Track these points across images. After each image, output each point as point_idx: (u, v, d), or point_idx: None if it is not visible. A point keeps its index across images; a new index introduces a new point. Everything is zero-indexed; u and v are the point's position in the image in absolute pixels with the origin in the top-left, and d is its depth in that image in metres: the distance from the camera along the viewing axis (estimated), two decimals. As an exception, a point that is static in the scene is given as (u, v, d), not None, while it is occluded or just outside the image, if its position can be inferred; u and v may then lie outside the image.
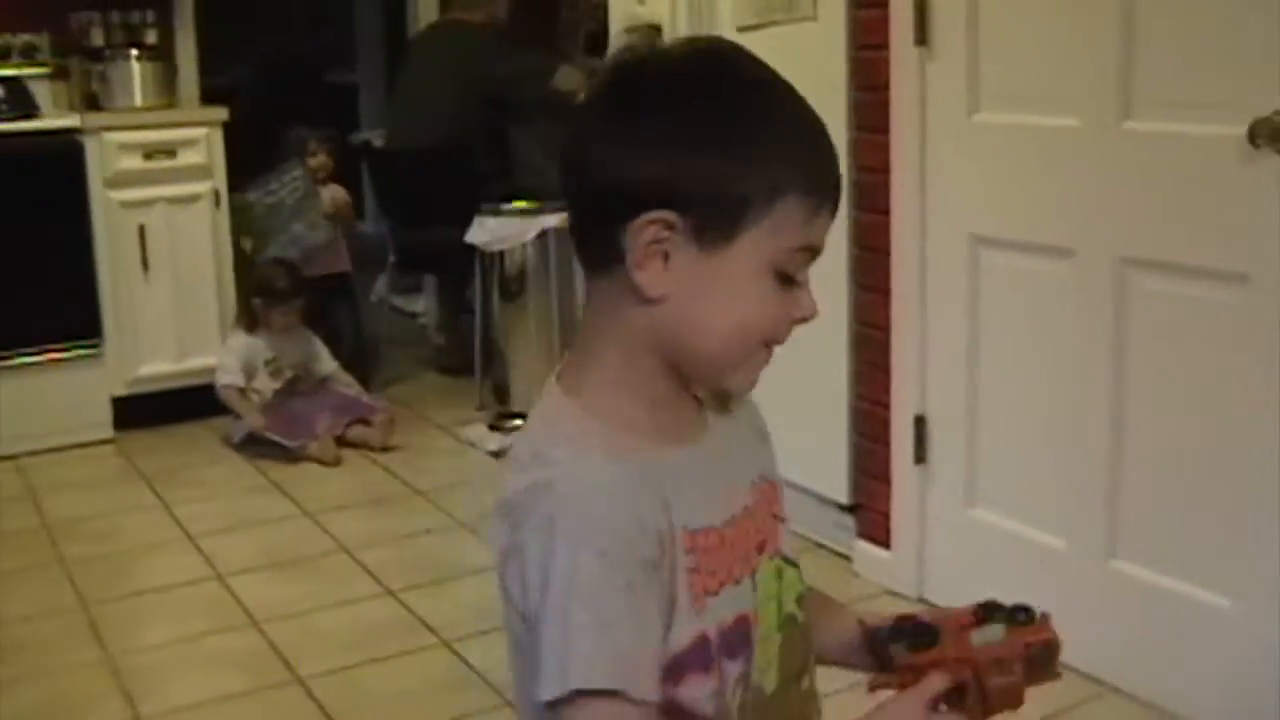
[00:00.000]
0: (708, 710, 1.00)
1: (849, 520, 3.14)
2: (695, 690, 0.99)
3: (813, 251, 1.00)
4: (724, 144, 0.96)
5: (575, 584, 0.92)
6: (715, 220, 0.97)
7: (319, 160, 4.82)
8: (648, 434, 1.02)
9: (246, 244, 4.58)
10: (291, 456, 4.09)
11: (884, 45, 2.83)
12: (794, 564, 1.11)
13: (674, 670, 0.97)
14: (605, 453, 0.98)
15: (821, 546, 3.21)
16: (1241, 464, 2.25)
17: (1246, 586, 2.27)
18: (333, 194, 4.82)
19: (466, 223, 4.20)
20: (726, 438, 1.09)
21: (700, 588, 1.00)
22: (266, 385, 4.25)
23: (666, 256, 0.97)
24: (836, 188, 1.02)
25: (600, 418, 1.00)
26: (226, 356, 4.24)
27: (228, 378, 4.20)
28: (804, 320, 1.02)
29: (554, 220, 4.03)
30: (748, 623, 1.03)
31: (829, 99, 2.97)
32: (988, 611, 1.13)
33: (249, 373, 4.22)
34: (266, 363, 4.26)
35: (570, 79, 4.51)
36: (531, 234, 4.07)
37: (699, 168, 0.96)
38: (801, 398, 3.18)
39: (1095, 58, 2.40)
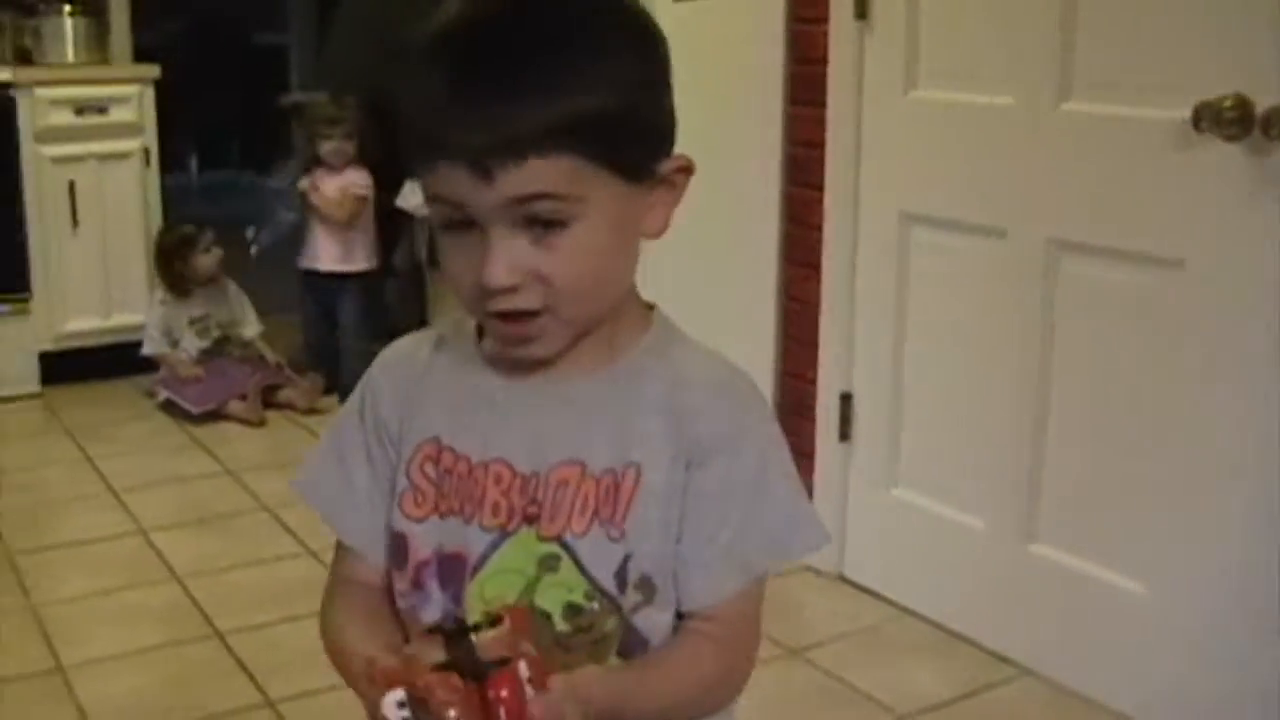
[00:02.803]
0: (401, 605, 1.03)
1: (771, 496, 3.04)
2: (397, 581, 1.03)
3: (448, 204, 0.92)
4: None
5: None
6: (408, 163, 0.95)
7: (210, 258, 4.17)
8: (493, 352, 1.02)
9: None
10: (216, 416, 3.97)
11: (823, 19, 2.72)
12: (594, 585, 0.96)
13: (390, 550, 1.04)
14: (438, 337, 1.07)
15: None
16: (1164, 452, 2.17)
17: (1162, 572, 2.20)
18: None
19: (392, 186, 4.06)
20: (579, 397, 0.99)
21: (416, 498, 1.01)
22: (193, 345, 4.11)
23: None
24: (449, 142, 0.89)
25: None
26: (149, 323, 4.12)
27: (150, 346, 4.10)
28: (488, 289, 0.92)
29: None
30: (463, 563, 0.99)
31: (765, 72, 2.86)
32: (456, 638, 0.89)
33: (171, 336, 4.09)
34: (192, 321, 4.12)
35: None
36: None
37: None
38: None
39: (1035, 37, 2.31)
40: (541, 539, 0.97)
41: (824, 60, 2.72)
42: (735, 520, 0.98)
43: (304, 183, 4.07)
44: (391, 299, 4.41)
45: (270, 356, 4.21)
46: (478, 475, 0.99)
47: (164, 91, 4.35)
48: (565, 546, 0.97)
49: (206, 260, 4.09)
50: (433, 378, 1.03)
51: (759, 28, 2.89)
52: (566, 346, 0.97)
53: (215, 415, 3.97)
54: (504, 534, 0.98)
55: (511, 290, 0.91)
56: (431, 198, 0.93)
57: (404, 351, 1.07)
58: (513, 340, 0.96)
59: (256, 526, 3.23)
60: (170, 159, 4.93)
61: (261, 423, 3.94)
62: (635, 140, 0.93)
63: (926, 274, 2.60)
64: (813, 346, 2.86)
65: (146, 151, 4.31)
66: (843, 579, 2.83)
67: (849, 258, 2.73)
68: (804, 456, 2.91)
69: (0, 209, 4.07)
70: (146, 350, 4.09)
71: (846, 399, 2.79)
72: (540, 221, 0.90)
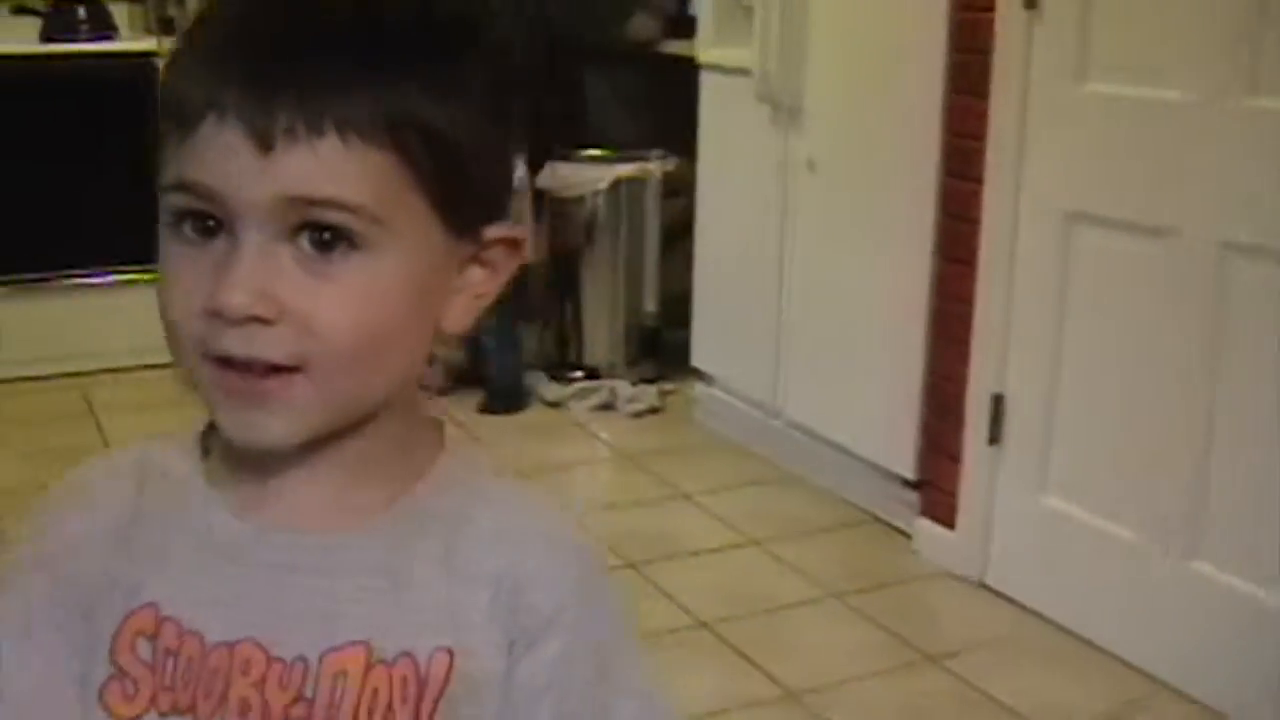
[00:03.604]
0: None
1: (912, 496, 3.03)
2: None
3: (195, 191, 0.69)
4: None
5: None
6: None
7: None
8: (226, 479, 0.77)
9: None
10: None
11: (989, 7, 2.69)
12: None
13: None
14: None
15: (879, 520, 3.12)
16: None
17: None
18: None
19: (535, 168, 4.03)
20: (360, 549, 0.75)
21: (126, 689, 0.75)
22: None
23: None
24: (225, 90, 0.67)
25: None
26: None
27: None
28: (217, 314, 0.68)
29: (628, 169, 3.95)
30: None
31: (926, 59, 2.86)
32: None
33: None
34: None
35: (646, 27, 4.38)
36: (604, 182, 3.97)
37: None
38: (872, 366, 3.10)
39: (1220, 28, 2.27)
40: None
41: (989, 49, 2.70)
42: (565, 712, 0.76)
43: None
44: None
45: None
46: (216, 660, 0.74)
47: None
48: None
49: None
50: (143, 518, 0.77)
51: (921, 14, 2.86)
52: (312, 434, 0.72)
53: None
54: None
55: (252, 324, 0.68)
56: (174, 182, 0.70)
57: (95, 480, 0.80)
58: (238, 404, 0.70)
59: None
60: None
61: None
62: (470, 179, 0.72)
63: (1089, 273, 2.57)
64: (964, 345, 2.84)
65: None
66: (984, 586, 2.82)
67: (1007, 254, 2.71)
68: (950, 459, 2.90)
69: (142, 178, 4.20)
70: None
71: (998, 400, 2.77)
72: (318, 239, 0.68)
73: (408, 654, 0.73)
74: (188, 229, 0.70)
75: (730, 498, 3.31)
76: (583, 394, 3.95)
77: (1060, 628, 2.65)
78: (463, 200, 0.72)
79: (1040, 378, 2.68)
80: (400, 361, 0.73)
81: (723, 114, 3.57)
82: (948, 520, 2.92)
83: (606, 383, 3.97)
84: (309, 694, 0.73)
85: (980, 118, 2.73)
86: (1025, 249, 2.69)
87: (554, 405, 3.94)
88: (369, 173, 0.68)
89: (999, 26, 2.67)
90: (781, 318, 3.40)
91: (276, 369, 0.69)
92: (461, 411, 3.84)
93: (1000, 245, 2.72)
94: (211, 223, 0.69)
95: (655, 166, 4.01)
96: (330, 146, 0.67)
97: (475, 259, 0.75)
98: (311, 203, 0.67)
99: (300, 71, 0.67)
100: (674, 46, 4.04)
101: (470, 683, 0.74)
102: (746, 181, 3.48)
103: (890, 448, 3.06)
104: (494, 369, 3.90)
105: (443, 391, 4.01)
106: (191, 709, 0.74)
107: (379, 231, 0.69)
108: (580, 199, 4.03)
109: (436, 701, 0.73)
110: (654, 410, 3.89)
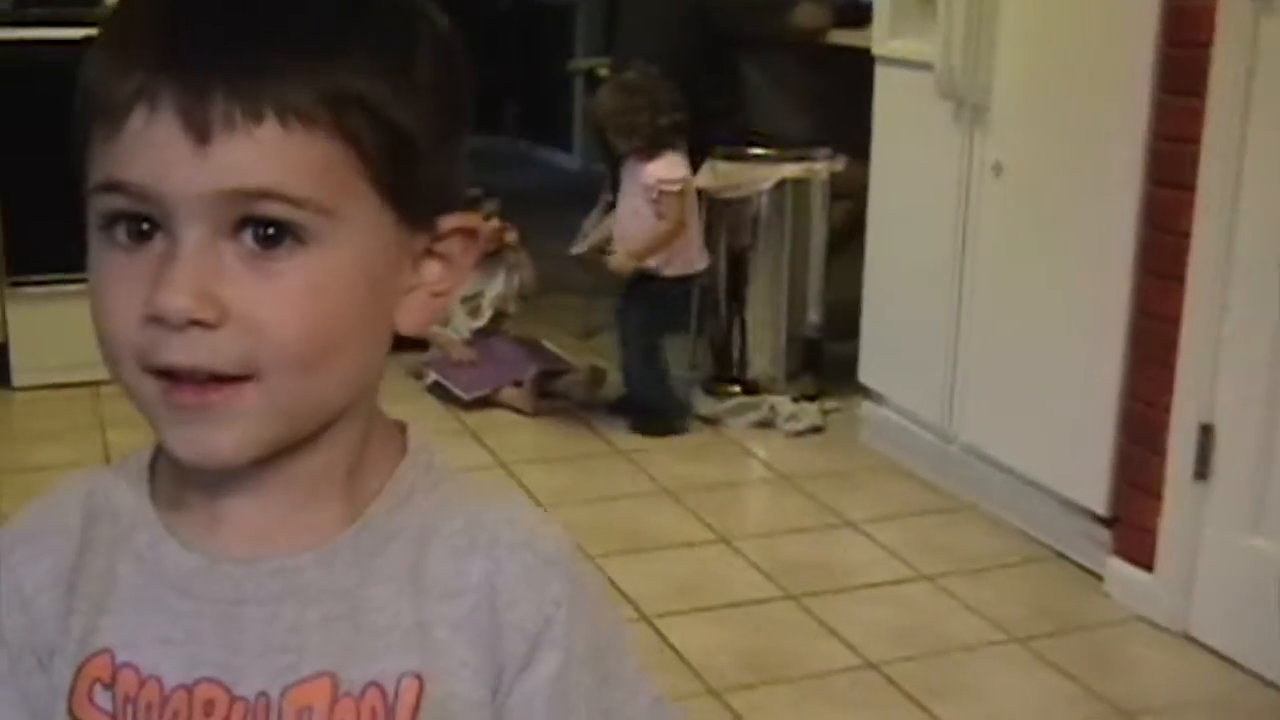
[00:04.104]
0: None
1: (1104, 534, 2.91)
2: None
3: (126, 190, 0.67)
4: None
5: None
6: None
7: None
8: (175, 510, 0.76)
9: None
10: (487, 402, 4.00)
11: (1209, -4, 2.58)
12: None
13: None
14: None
15: (1065, 558, 3.02)
16: None
17: None
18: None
19: (691, 165, 3.99)
20: (317, 574, 0.74)
21: None
22: (464, 324, 4.15)
23: None
24: (156, 78, 0.65)
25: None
26: None
27: None
28: (157, 319, 0.67)
29: (793, 169, 3.90)
30: None
31: (1132, 53, 2.74)
32: None
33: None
34: (464, 299, 4.14)
35: (813, 16, 4.32)
36: (768, 184, 3.92)
37: None
38: (1060, 388, 2.98)
39: None
40: None
41: (1207, 43, 2.57)
42: None
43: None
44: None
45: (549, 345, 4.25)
46: (177, 704, 0.73)
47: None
48: None
49: (484, 230, 4.15)
50: (90, 558, 0.76)
51: (1128, 1, 2.76)
52: (265, 449, 0.71)
53: (486, 401, 4.01)
54: None
55: (194, 329, 0.66)
56: (103, 182, 0.68)
57: (37, 525, 0.79)
58: (184, 419, 0.69)
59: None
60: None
61: (536, 413, 3.97)
62: (420, 163, 0.71)
63: (1317, 295, 2.44)
64: (1169, 369, 2.71)
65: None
66: (1187, 637, 2.68)
67: (1221, 270, 2.57)
68: (1149, 494, 2.77)
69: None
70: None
71: (1207, 431, 2.64)
72: (262, 235, 0.67)
73: (375, 684, 0.73)
74: (120, 233, 0.68)
75: (899, 527, 3.24)
76: (739, 410, 3.91)
77: (1275, 687, 2.51)
78: (414, 189, 0.71)
79: (1256, 406, 2.55)
80: (354, 364, 0.72)
81: (900, 111, 3.50)
82: (1145, 561, 2.79)
83: (765, 398, 3.92)
84: (270, 691, 0.73)
85: (1194, 119, 2.60)
86: (1241, 264, 2.55)
87: (709, 421, 3.90)
88: (313, 160, 0.66)
89: (1220, 17, 2.54)
90: (959, 332, 3.31)
91: (223, 379, 0.68)
92: (614, 431, 3.82)
93: (1214, 260, 2.59)
94: (146, 225, 0.68)
95: (822, 167, 3.96)
96: (270, 133, 0.65)
97: (430, 252, 0.74)
98: (253, 195, 0.66)
99: (234, 55, 0.65)
100: (844, 37, 4.00)
101: (443, 710, 0.73)
102: (925, 185, 3.40)
103: (1080, 479, 2.94)
104: (636, 389, 3.86)
105: (585, 406, 4.00)
106: None
107: (326, 224, 0.67)
108: (742, 201, 3.99)
109: None
110: (815, 429, 3.84)
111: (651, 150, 3.64)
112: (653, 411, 3.81)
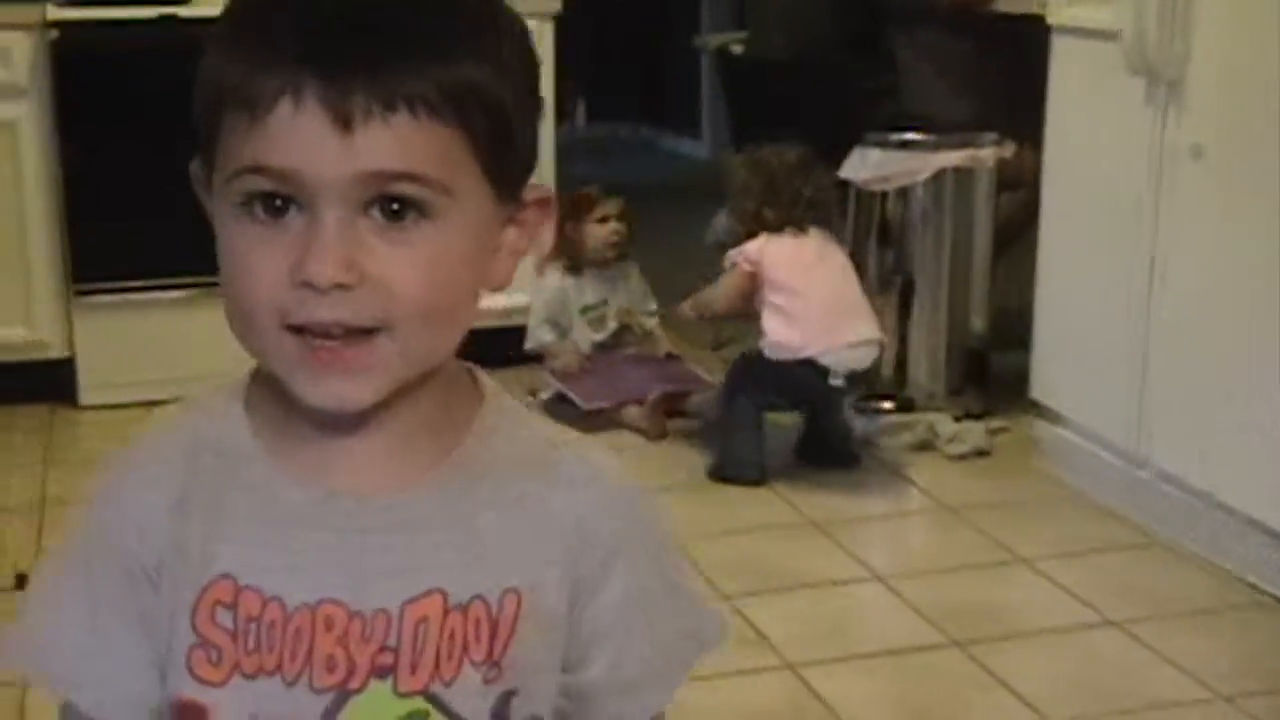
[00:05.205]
0: None
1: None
2: None
3: (270, 173, 0.86)
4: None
5: None
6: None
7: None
8: (281, 447, 0.96)
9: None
10: (606, 423, 3.99)
11: None
12: None
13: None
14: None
15: (1264, 593, 2.95)
16: None
17: None
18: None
19: (837, 154, 4.04)
20: (421, 503, 0.95)
21: (210, 655, 0.94)
22: (585, 337, 4.17)
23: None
24: (304, 75, 0.84)
25: (254, 405, 0.97)
26: (534, 309, 4.14)
27: (534, 339, 4.13)
28: (306, 284, 0.86)
29: (954, 157, 3.88)
30: None
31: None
32: None
33: (560, 324, 4.15)
34: (585, 309, 4.17)
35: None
36: (925, 174, 3.90)
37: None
38: (1271, 406, 2.91)
39: None
40: (401, 694, 0.94)
41: None
42: (649, 632, 1.01)
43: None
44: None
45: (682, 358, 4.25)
46: (299, 622, 0.93)
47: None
48: (434, 700, 0.94)
49: (601, 231, 4.18)
50: (197, 488, 0.96)
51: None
52: (389, 393, 0.91)
53: (607, 420, 4.00)
54: (344, 694, 0.93)
55: (340, 291, 0.86)
56: (248, 166, 0.87)
57: (146, 459, 0.99)
58: (321, 370, 0.89)
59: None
60: (554, 108, 5.08)
61: (662, 435, 3.97)
62: (514, 143, 0.92)
63: None
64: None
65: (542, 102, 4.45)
66: None
67: None
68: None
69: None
70: (531, 345, 4.14)
71: None
72: (390, 209, 0.87)
73: (480, 597, 0.94)
74: (258, 209, 0.87)
75: (1081, 565, 3.18)
76: (893, 430, 3.88)
77: None
78: (508, 165, 0.92)
79: None
80: (464, 317, 0.93)
81: (1080, 88, 3.47)
82: (1375, 608, 2.71)
83: (923, 416, 3.89)
84: (392, 643, 0.93)
85: None
86: None
87: (858, 443, 3.86)
88: (437, 145, 0.86)
89: None
90: (1150, 340, 3.26)
91: (358, 332, 0.87)
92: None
93: None
94: (279, 201, 0.86)
95: (987, 154, 3.94)
96: (403, 122, 0.85)
97: (512, 219, 0.96)
98: (389, 177, 0.86)
99: (369, 55, 0.84)
100: (1014, 4, 3.98)
101: (538, 620, 0.95)
102: (1110, 172, 3.36)
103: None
104: (711, 431, 3.83)
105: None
106: (278, 669, 0.92)
107: (446, 200, 0.87)
108: (896, 194, 3.98)
109: (508, 641, 0.94)
110: (981, 453, 3.79)
111: (750, 235, 3.69)
112: (721, 456, 3.77)
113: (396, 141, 0.85)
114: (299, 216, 0.86)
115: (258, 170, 0.86)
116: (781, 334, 3.59)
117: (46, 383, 4.10)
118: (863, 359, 3.63)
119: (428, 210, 0.87)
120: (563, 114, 7.04)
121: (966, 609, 2.96)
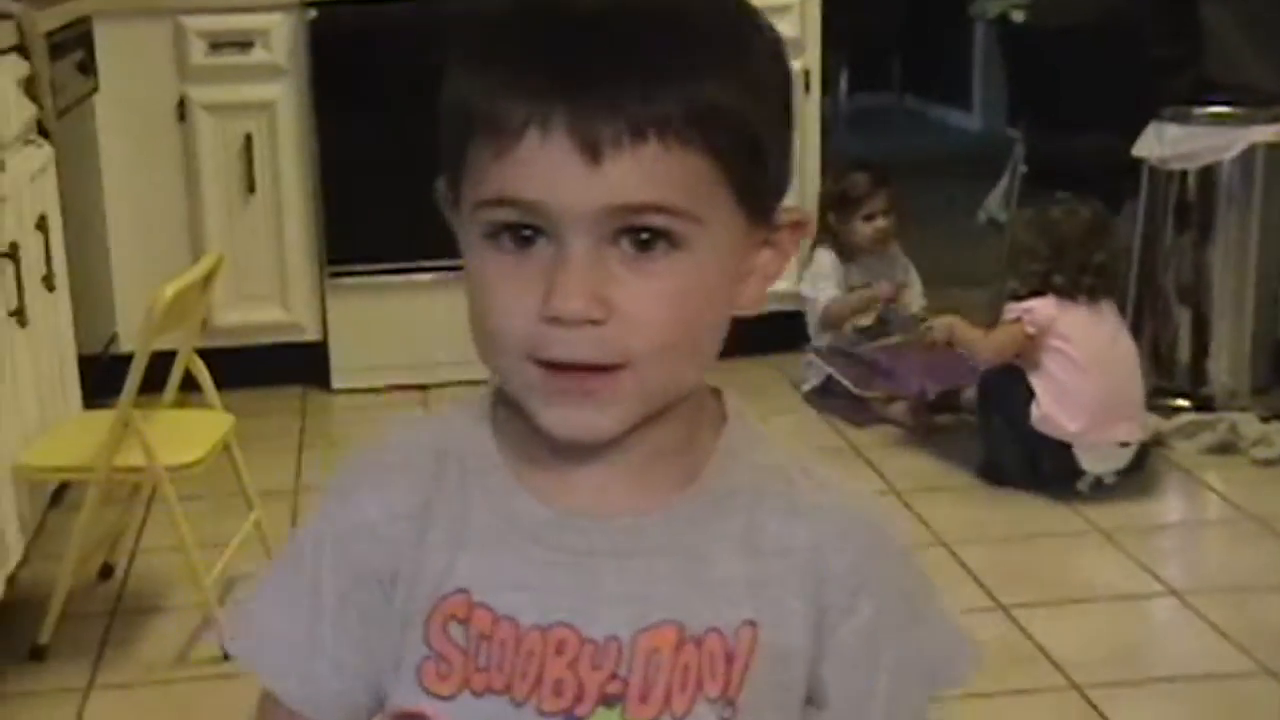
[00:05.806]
0: None
1: None
2: None
3: (517, 204, 0.88)
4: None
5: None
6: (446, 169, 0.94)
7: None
8: (524, 465, 0.98)
9: None
10: (867, 418, 4.02)
11: None
12: None
13: None
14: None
15: None
16: None
17: None
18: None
19: (1130, 128, 3.98)
20: (663, 531, 0.96)
21: (440, 669, 0.96)
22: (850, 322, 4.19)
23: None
24: (553, 106, 0.85)
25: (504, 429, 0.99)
26: (818, 276, 4.17)
27: (830, 291, 4.13)
28: (555, 320, 0.88)
29: (1266, 131, 3.78)
30: None
31: None
32: None
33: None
34: (852, 290, 4.18)
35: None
36: (1233, 151, 3.80)
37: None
38: None
39: None
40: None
41: None
42: (890, 663, 1.00)
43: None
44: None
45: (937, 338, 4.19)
46: (531, 644, 0.95)
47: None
48: None
49: (867, 230, 4.16)
50: (444, 502, 0.98)
51: None
52: (631, 425, 0.92)
53: (871, 415, 4.02)
54: (571, 719, 0.95)
55: (585, 326, 0.88)
56: (495, 198, 0.88)
57: (392, 461, 1.02)
58: (566, 402, 0.91)
59: (931, 566, 3.20)
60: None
61: (928, 433, 3.95)
62: (766, 165, 0.92)
63: None
64: None
65: (807, 74, 4.39)
66: None
67: None
68: None
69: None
70: (826, 297, 4.15)
71: None
72: (638, 240, 0.88)
73: (715, 629, 0.94)
74: (505, 240, 0.89)
75: None
76: (1191, 430, 3.78)
77: None
78: (760, 188, 0.92)
79: None
80: (710, 348, 0.94)
81: None
82: None
83: (1225, 416, 3.80)
84: (623, 672, 0.94)
85: None
86: None
87: (1151, 443, 3.76)
88: (687, 174, 0.87)
89: None
90: None
91: (603, 368, 0.89)
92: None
93: None
94: (527, 232, 0.88)
95: (1304, 127, 3.82)
96: (652, 152, 0.85)
97: (766, 242, 0.96)
98: (638, 209, 0.86)
99: (618, 83, 0.85)
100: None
101: (775, 654, 0.95)
102: None
103: None
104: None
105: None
106: (507, 689, 0.94)
107: (696, 230, 0.88)
108: (1198, 172, 3.89)
109: (744, 675, 0.94)
110: (1292, 458, 3.67)
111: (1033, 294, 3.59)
112: (992, 454, 3.72)
113: (645, 172, 0.86)
114: (548, 247, 0.88)
115: (505, 203, 0.88)
116: (1053, 409, 3.50)
117: (300, 365, 4.25)
118: (1122, 460, 3.53)
119: (677, 240, 0.88)
120: (826, 85, 7.00)
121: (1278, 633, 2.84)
